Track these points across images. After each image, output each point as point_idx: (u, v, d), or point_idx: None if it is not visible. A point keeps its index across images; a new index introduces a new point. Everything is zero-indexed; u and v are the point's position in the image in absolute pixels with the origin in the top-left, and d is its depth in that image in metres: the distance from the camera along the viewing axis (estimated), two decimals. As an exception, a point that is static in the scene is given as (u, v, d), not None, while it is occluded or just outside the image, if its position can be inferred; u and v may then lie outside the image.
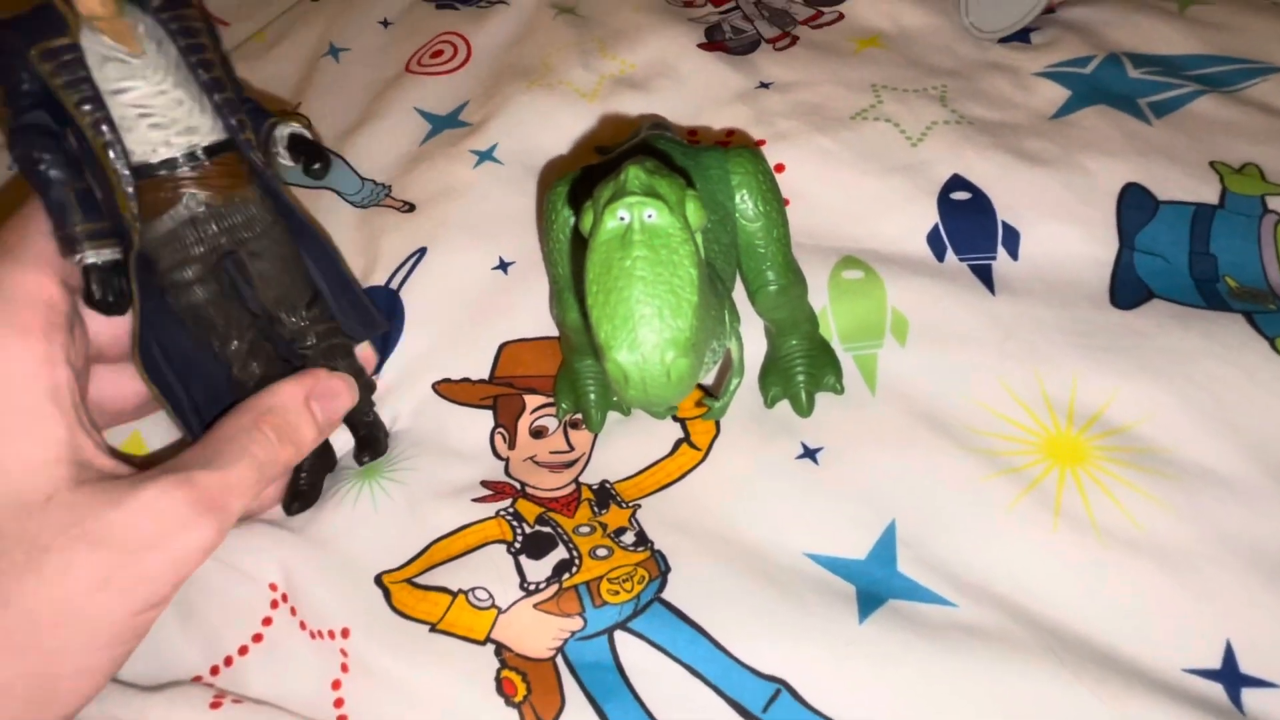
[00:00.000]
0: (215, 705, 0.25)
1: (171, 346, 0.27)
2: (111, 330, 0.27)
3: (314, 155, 0.27)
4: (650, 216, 0.20)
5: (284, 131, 0.27)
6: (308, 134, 0.28)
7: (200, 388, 0.28)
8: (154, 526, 0.23)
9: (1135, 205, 0.35)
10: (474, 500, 0.30)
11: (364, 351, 0.32)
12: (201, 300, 0.26)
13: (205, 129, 0.25)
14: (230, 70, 0.27)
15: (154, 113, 0.24)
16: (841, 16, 0.47)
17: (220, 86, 0.25)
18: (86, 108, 0.23)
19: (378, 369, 0.34)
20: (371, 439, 0.32)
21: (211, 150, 0.25)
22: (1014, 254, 0.35)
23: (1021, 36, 0.44)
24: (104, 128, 0.23)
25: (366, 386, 0.31)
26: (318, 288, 0.29)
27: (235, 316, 0.27)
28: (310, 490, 0.30)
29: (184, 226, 0.25)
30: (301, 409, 0.27)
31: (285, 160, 0.28)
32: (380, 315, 0.31)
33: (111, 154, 0.24)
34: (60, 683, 0.22)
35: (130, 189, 0.24)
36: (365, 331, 0.31)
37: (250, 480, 0.25)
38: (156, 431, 0.33)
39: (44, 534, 0.22)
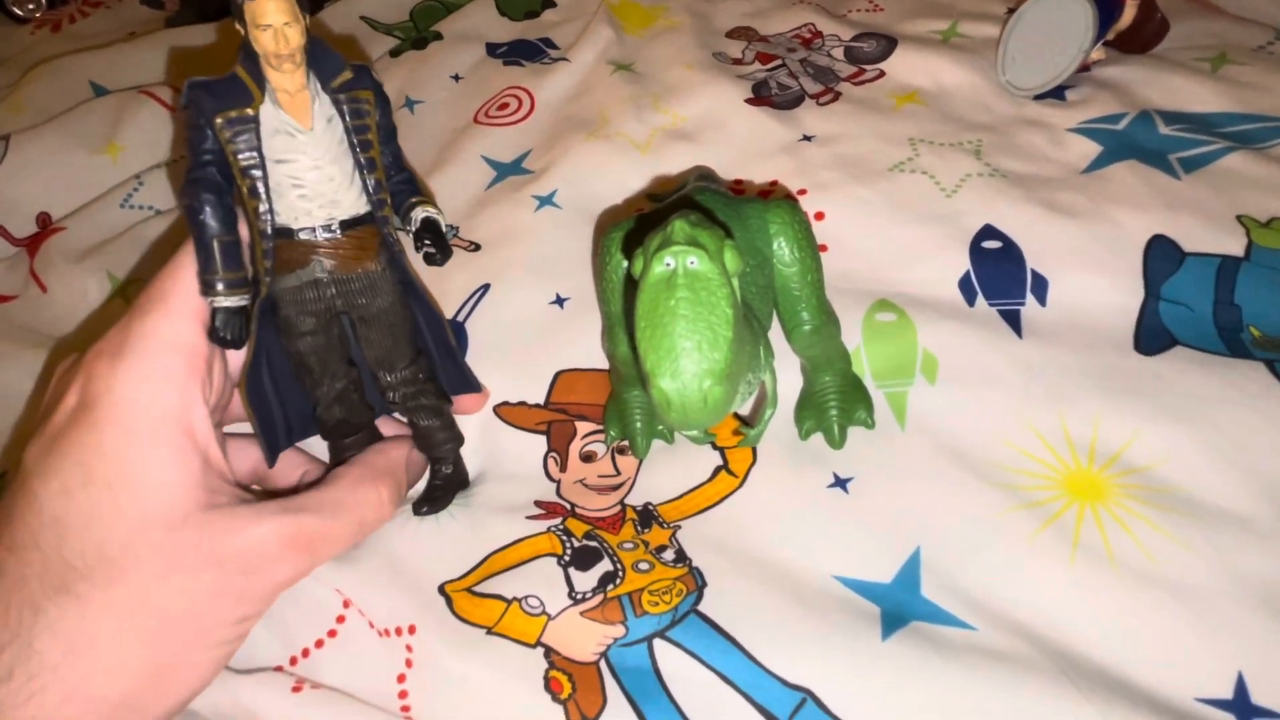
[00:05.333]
0: (296, 689, 0.28)
1: (281, 374, 0.31)
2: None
3: (437, 244, 0.30)
4: (692, 263, 0.23)
5: (419, 214, 0.30)
6: (439, 220, 0.30)
7: (296, 413, 0.32)
8: (262, 557, 0.27)
9: (1162, 256, 0.37)
10: (528, 518, 0.33)
11: (469, 400, 0.35)
12: (306, 348, 0.30)
13: (347, 204, 0.28)
14: (391, 139, 0.30)
15: (304, 185, 0.27)
16: (883, 74, 0.49)
17: (373, 166, 0.28)
18: (249, 173, 0.27)
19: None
20: (440, 493, 0.33)
21: (347, 224, 0.28)
22: (1042, 301, 0.37)
23: (1056, 94, 0.46)
24: (260, 191, 0.27)
25: (455, 439, 0.34)
26: (420, 350, 0.32)
27: (332, 366, 0.31)
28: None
29: (307, 286, 0.29)
30: (403, 472, 0.32)
31: (411, 237, 0.30)
32: (475, 379, 0.34)
33: (260, 216, 0.27)
34: (174, 672, 0.26)
35: (269, 247, 0.28)
36: (460, 389, 0.34)
37: (348, 535, 0.29)
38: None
39: (178, 549, 0.26)
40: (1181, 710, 0.25)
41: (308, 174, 0.27)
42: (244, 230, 0.28)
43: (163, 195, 0.51)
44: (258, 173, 0.27)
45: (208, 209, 0.27)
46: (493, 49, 0.56)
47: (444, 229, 0.30)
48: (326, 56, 0.27)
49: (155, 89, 0.55)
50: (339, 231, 0.28)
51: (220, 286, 0.27)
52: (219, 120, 0.26)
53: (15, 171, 0.51)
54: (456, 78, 0.54)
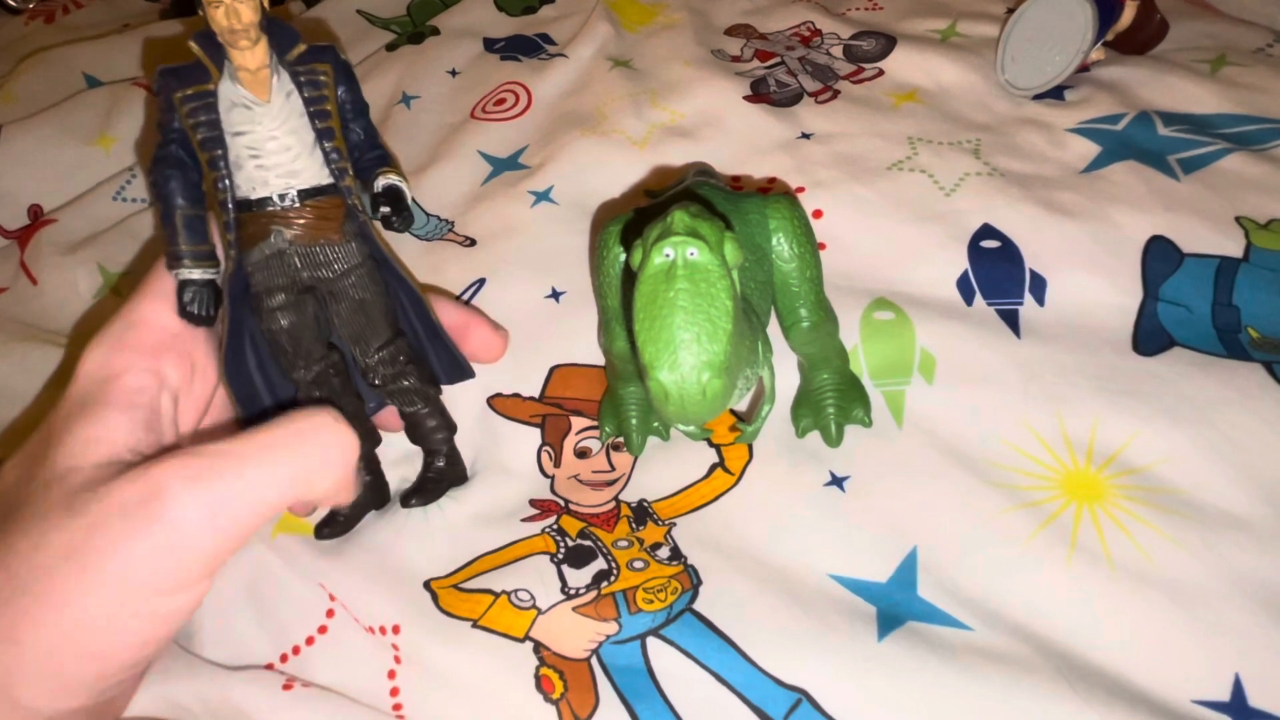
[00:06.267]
0: (287, 688, 0.28)
1: (267, 359, 0.30)
2: None
3: (395, 207, 0.29)
4: (692, 254, 0.22)
5: (381, 182, 0.30)
6: (402, 188, 0.30)
7: (289, 401, 0.31)
8: (132, 496, 0.22)
9: (1160, 257, 0.37)
10: (522, 520, 0.32)
11: (489, 350, 0.34)
12: (279, 327, 0.29)
13: (308, 174, 0.28)
14: (361, 116, 0.30)
15: (262, 155, 0.28)
16: (881, 72, 0.49)
17: (331, 135, 0.28)
18: (208, 145, 0.27)
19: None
20: (430, 484, 0.33)
21: (308, 193, 0.28)
22: (1040, 300, 0.36)
23: (1055, 94, 0.46)
24: (219, 164, 0.27)
25: (446, 427, 0.33)
26: (400, 330, 0.32)
27: (306, 347, 0.30)
28: (346, 522, 0.32)
29: (272, 259, 0.29)
30: (320, 415, 0.26)
31: (370, 207, 0.30)
32: (468, 365, 0.33)
33: (219, 187, 0.28)
34: (27, 652, 0.22)
35: (230, 219, 0.28)
36: (454, 377, 0.33)
37: (253, 456, 0.24)
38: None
39: (47, 501, 0.23)
40: (1179, 712, 0.25)
41: (265, 144, 0.28)
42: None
43: (155, 187, 0.50)
44: (216, 145, 0.27)
45: (171, 184, 0.27)
46: (490, 44, 0.56)
47: (408, 197, 0.30)
48: (282, 32, 0.28)
49: (149, 81, 0.55)
50: (298, 200, 0.28)
51: (186, 259, 0.27)
52: (178, 97, 0.27)
53: (6, 163, 0.50)
54: (453, 73, 0.54)
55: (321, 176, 0.29)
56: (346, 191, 0.29)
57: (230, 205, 0.28)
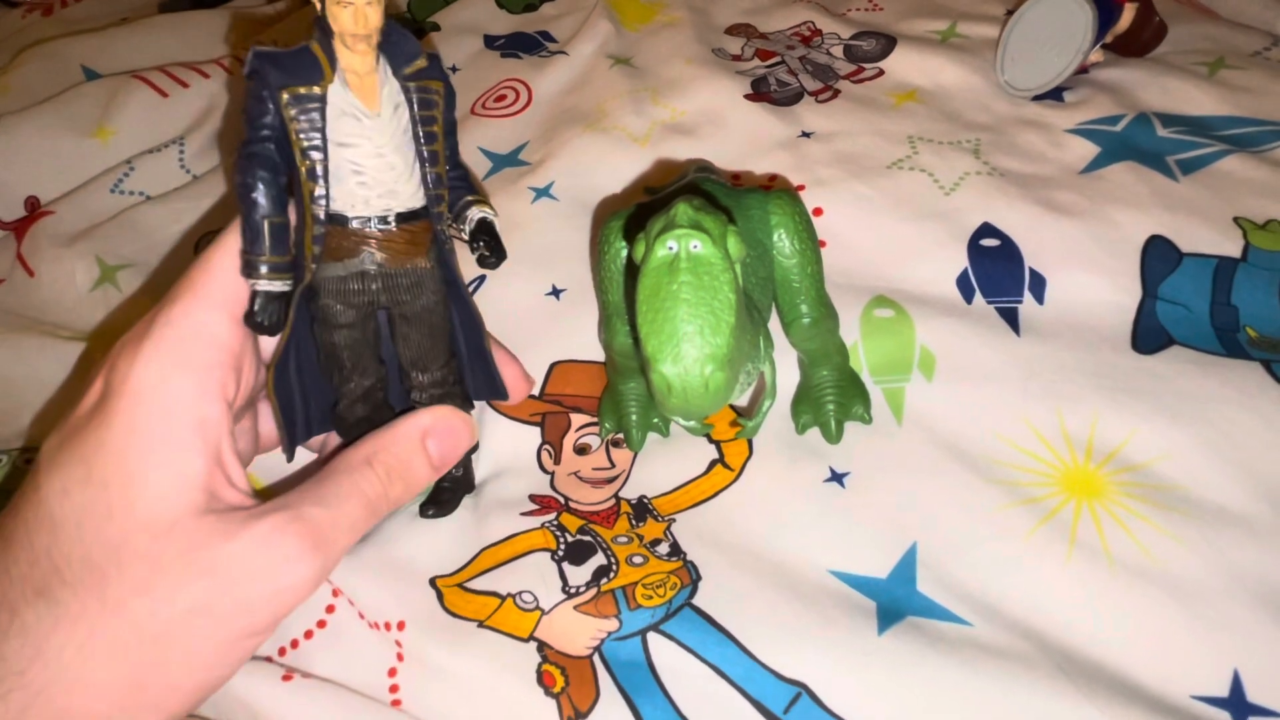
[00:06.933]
0: (287, 679, 0.28)
1: (305, 360, 0.29)
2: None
3: (492, 246, 0.29)
4: (695, 247, 0.22)
5: (475, 214, 0.29)
6: (495, 222, 0.29)
7: (317, 408, 0.30)
8: (261, 560, 0.24)
9: (1159, 257, 0.37)
10: (522, 514, 0.32)
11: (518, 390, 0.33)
12: (342, 341, 0.28)
13: (405, 195, 0.27)
14: (452, 134, 0.28)
15: (365, 172, 0.26)
16: (882, 72, 0.49)
17: (435, 160, 0.27)
18: (310, 153, 0.25)
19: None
20: (447, 495, 0.32)
21: (403, 217, 0.27)
22: (1040, 299, 0.37)
23: (1055, 95, 0.46)
24: (319, 174, 0.25)
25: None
26: (455, 351, 0.31)
27: (363, 362, 0.29)
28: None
29: (353, 277, 0.27)
30: (416, 447, 0.28)
31: (465, 239, 0.29)
32: (504, 387, 0.32)
33: (316, 200, 0.26)
34: (147, 695, 0.23)
35: (320, 233, 0.26)
36: (483, 394, 0.32)
37: (359, 518, 0.26)
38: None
39: (164, 556, 0.23)
40: (1178, 708, 0.25)
41: (369, 160, 0.26)
42: (292, 213, 0.27)
43: (154, 180, 0.50)
44: (319, 155, 0.25)
45: (261, 186, 0.25)
46: (491, 41, 0.56)
47: (496, 228, 0.29)
48: (403, 41, 0.26)
49: (148, 73, 0.54)
50: (394, 224, 0.27)
51: (264, 269, 0.26)
52: (285, 95, 0.25)
53: (4, 154, 0.50)
54: (454, 69, 0.54)
55: (417, 199, 0.27)
56: (437, 218, 0.28)
57: (323, 218, 0.26)
